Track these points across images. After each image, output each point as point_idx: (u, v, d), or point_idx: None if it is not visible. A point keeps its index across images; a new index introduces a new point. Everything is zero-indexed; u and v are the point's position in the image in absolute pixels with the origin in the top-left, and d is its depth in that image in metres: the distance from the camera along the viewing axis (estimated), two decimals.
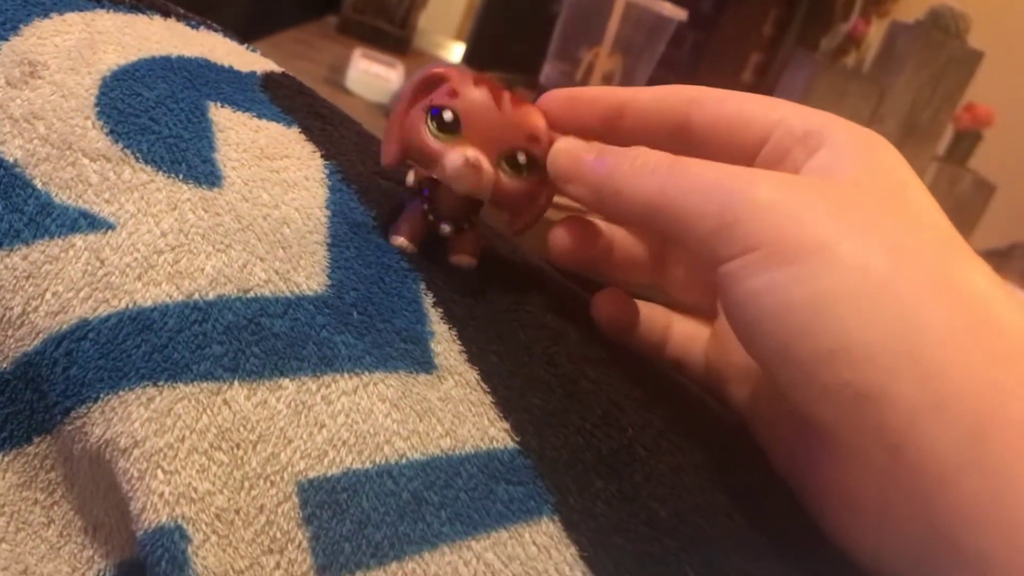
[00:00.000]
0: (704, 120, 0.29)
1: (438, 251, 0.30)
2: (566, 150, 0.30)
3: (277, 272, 0.27)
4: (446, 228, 0.30)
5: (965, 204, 1.28)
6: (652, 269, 0.35)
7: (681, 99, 0.30)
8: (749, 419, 0.31)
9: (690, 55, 1.32)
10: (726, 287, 0.25)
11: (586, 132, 0.31)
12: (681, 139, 0.30)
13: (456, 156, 0.28)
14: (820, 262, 0.23)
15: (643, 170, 0.27)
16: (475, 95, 0.28)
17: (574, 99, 0.31)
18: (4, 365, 0.27)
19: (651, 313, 0.34)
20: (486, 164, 0.28)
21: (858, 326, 0.22)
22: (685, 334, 0.35)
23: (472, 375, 0.27)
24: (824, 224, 0.24)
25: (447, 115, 0.28)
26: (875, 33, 1.34)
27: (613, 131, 0.31)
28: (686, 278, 0.34)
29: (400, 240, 0.30)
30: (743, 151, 0.29)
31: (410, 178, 0.32)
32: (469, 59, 1.23)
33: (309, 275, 0.28)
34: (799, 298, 0.23)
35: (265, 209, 0.29)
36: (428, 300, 0.29)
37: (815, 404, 0.23)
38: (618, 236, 0.34)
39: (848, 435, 0.23)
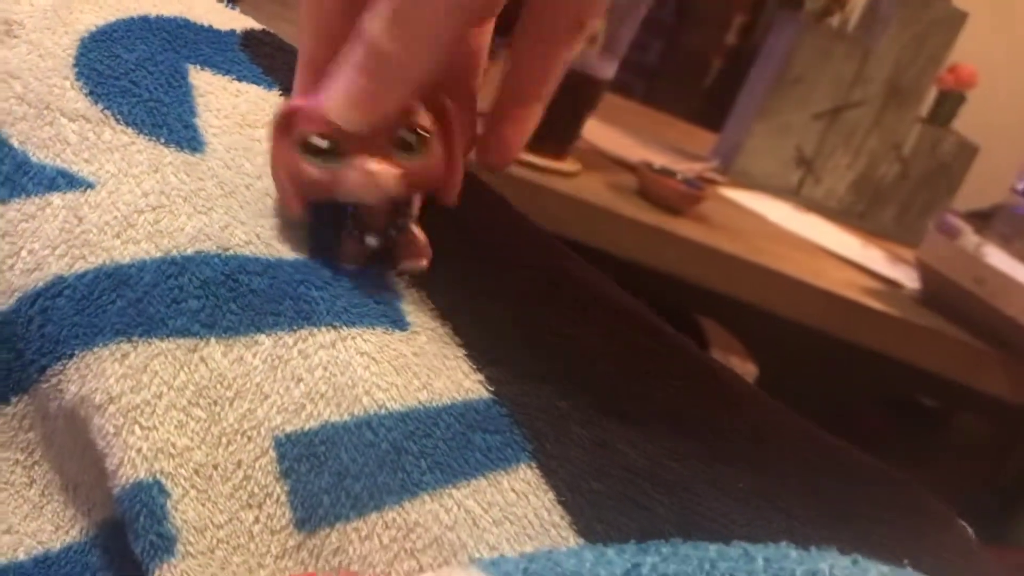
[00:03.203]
0: None
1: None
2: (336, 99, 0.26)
3: (259, 236, 0.28)
4: (372, 241, 0.28)
5: (948, 165, 1.28)
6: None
7: None
8: None
9: (673, 16, 1.32)
10: None
11: None
12: None
13: (351, 175, 0.26)
14: None
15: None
16: None
17: (312, 65, 0.28)
18: None
19: None
20: (379, 165, 0.26)
21: None
22: None
23: (444, 330, 0.28)
24: None
25: (319, 142, 0.26)
26: None
27: None
28: None
29: (349, 268, 0.28)
30: None
31: None
32: None
33: (292, 246, 0.28)
34: None
35: (248, 179, 0.29)
36: None
37: None
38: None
39: None
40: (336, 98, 0.26)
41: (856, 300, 0.94)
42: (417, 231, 0.29)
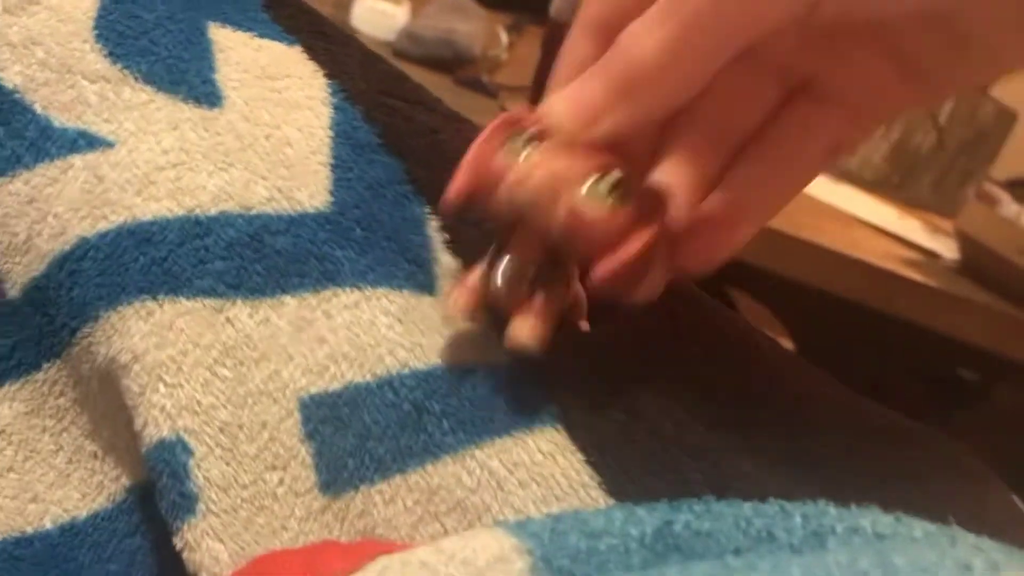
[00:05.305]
0: None
1: (444, 174, 0.29)
2: (564, 94, 0.24)
3: (279, 190, 0.27)
4: (499, 286, 0.25)
5: (987, 132, 1.25)
6: None
7: None
8: None
9: None
10: None
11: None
12: None
13: (535, 172, 0.23)
14: None
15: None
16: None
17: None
18: (13, 292, 0.27)
19: None
20: (568, 169, 0.23)
21: None
22: None
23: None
24: None
25: (520, 130, 0.24)
26: None
27: None
28: None
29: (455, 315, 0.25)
30: None
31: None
32: None
33: (312, 194, 0.27)
34: None
35: (267, 129, 0.28)
36: (433, 223, 0.29)
37: None
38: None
39: None
40: (560, 98, 0.24)
41: (893, 271, 0.93)
42: (581, 291, 0.26)
